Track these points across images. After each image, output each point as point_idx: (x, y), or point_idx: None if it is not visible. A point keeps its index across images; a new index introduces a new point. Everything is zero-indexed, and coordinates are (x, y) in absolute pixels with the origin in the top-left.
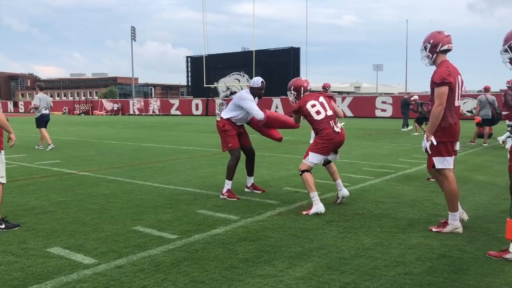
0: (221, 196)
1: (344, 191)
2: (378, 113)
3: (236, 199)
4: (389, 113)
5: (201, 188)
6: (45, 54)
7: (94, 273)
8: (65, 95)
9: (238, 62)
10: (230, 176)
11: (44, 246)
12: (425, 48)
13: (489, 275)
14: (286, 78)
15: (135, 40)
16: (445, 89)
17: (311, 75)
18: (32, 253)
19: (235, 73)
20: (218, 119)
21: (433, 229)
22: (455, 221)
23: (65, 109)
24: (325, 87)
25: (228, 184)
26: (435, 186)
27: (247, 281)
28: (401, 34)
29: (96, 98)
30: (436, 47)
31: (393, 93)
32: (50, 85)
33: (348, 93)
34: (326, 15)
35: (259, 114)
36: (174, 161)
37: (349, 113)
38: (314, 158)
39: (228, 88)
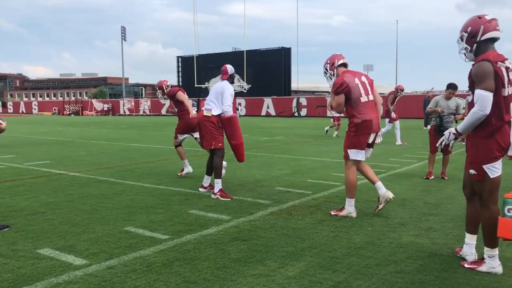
0: (212, 196)
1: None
2: None
3: (230, 199)
4: (379, 112)
5: (192, 188)
6: (34, 54)
7: (85, 274)
8: (54, 96)
9: (229, 62)
10: (219, 175)
11: (34, 248)
12: (327, 69)
13: (479, 273)
14: (277, 78)
15: (125, 40)
16: (340, 97)
17: (302, 75)
18: (22, 255)
19: None
20: (209, 114)
21: (332, 213)
22: (350, 207)
23: (54, 109)
24: (398, 89)
25: (218, 183)
26: (425, 185)
27: (239, 281)
28: (392, 35)
29: (86, 98)
30: (333, 64)
31: (384, 93)
32: (40, 85)
33: None
34: (317, 15)
35: (229, 111)
36: (165, 161)
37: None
38: (179, 139)
39: None
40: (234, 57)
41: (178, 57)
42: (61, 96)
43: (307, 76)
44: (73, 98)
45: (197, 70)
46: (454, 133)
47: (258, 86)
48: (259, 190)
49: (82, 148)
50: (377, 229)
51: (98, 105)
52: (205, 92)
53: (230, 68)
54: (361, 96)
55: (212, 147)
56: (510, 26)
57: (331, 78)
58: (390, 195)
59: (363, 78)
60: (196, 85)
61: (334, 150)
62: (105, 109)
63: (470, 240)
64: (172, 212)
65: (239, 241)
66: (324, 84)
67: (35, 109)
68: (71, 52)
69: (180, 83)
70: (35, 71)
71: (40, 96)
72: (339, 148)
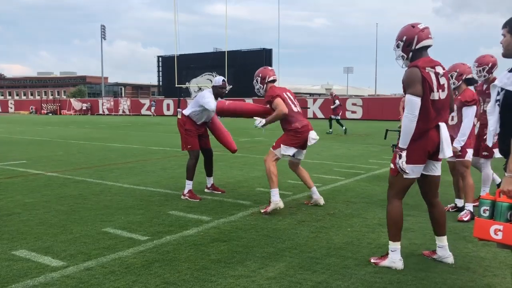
0: (182, 197)
1: None
2: (348, 114)
3: (198, 200)
4: (359, 115)
5: (172, 189)
6: (11, 52)
7: (62, 276)
8: (32, 94)
9: (210, 62)
10: (190, 176)
11: (9, 249)
12: (257, 81)
13: (455, 273)
14: None
15: (105, 39)
16: (277, 100)
17: (283, 76)
18: None
19: (207, 73)
20: (179, 116)
21: (262, 211)
22: (274, 197)
23: (32, 108)
24: None
25: (189, 185)
26: None
27: (219, 282)
28: (371, 38)
29: (64, 97)
30: (264, 79)
31: (363, 95)
32: (16, 84)
33: (319, 95)
34: (297, 17)
35: (212, 105)
36: (144, 162)
37: (320, 114)
38: None
39: (200, 89)
40: (215, 57)
41: (158, 56)
42: (38, 95)
43: (288, 78)
44: (51, 97)
45: (178, 70)
46: (396, 151)
47: (239, 86)
48: (239, 190)
49: (60, 148)
50: (356, 229)
51: (76, 104)
52: (186, 92)
53: (214, 80)
54: (293, 107)
55: (183, 149)
56: (485, 30)
57: (258, 92)
58: (322, 202)
59: (288, 94)
60: (176, 85)
61: (315, 151)
62: (84, 108)
63: (442, 242)
64: (151, 213)
65: (219, 242)
66: (305, 86)
67: (11, 108)
68: (48, 51)
69: (161, 83)
70: (12, 69)
71: (17, 95)
72: (318, 149)
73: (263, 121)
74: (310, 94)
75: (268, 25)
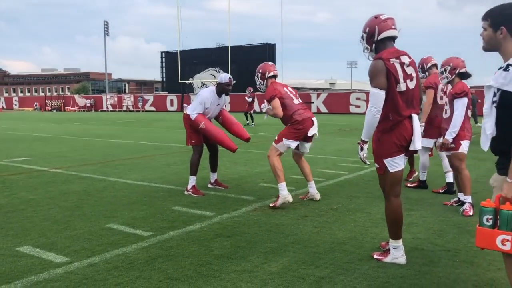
0: (185, 193)
1: None
2: (352, 109)
3: (201, 196)
4: (363, 109)
5: (175, 184)
6: (14, 48)
7: (66, 272)
8: (36, 91)
9: (213, 57)
10: (193, 172)
11: (14, 245)
12: (258, 77)
13: (458, 267)
14: None
15: (108, 35)
16: (275, 102)
17: (286, 71)
18: (1, 253)
19: (211, 69)
20: (185, 111)
21: (270, 205)
22: (283, 191)
23: (36, 105)
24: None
25: (192, 180)
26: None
27: (223, 277)
28: None
29: (68, 93)
30: (264, 75)
31: (367, 90)
32: (21, 81)
33: (323, 89)
34: (301, 11)
35: (193, 115)
36: (148, 158)
37: (323, 109)
38: None
39: (203, 84)
40: (218, 52)
41: (161, 52)
42: (42, 92)
43: (291, 73)
44: (55, 94)
45: (181, 66)
46: (359, 143)
47: (243, 82)
48: (243, 186)
49: (64, 144)
50: (360, 224)
51: (80, 100)
52: (189, 88)
53: (219, 77)
54: (293, 100)
55: (188, 144)
56: None
57: (260, 87)
58: (318, 197)
59: (289, 88)
60: (180, 81)
61: (318, 146)
62: (88, 104)
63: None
64: (155, 208)
65: (222, 237)
66: (309, 81)
67: (15, 105)
68: (52, 47)
69: (164, 79)
70: (16, 66)
71: (21, 92)
72: (321, 144)
73: (266, 110)
74: (314, 89)
75: (271, 20)
